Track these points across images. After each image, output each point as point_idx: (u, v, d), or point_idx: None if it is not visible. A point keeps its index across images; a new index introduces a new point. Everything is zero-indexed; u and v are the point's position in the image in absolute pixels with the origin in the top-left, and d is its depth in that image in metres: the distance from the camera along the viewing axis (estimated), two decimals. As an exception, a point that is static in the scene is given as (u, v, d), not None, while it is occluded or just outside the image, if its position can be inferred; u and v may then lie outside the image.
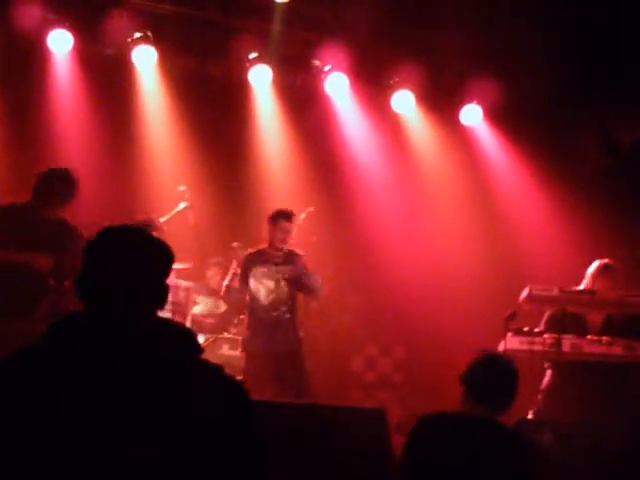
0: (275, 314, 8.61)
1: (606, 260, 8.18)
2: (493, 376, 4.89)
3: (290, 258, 8.75)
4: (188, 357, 2.67)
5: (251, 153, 11.18)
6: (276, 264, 8.68)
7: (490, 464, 4.63)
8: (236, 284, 8.91)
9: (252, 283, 8.68)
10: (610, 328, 7.94)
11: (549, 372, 8.14)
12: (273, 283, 8.64)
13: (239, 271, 8.91)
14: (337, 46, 10.41)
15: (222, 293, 9.23)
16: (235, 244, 9.69)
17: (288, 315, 8.64)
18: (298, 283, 8.64)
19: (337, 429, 5.69)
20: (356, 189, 11.26)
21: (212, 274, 10.55)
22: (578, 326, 7.92)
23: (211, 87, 10.82)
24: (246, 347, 8.70)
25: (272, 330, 8.57)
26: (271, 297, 8.64)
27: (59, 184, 7.40)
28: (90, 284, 2.72)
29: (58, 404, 2.50)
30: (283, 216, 8.72)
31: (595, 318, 8.09)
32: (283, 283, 8.63)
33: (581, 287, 8.05)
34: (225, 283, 9.14)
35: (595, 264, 8.16)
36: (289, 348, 8.59)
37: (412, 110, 11.20)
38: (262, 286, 8.65)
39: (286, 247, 8.75)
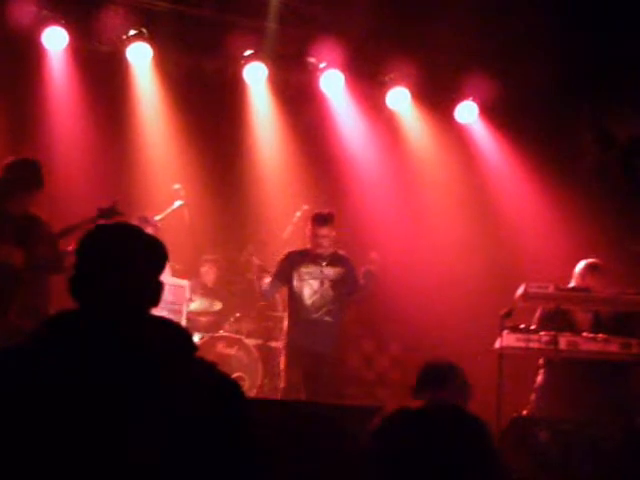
0: (316, 316, 8.52)
1: (593, 259, 8.21)
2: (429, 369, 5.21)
3: (337, 259, 8.68)
4: (182, 355, 2.66)
5: (246, 150, 11.17)
6: (322, 265, 8.60)
7: (448, 447, 4.71)
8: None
9: (295, 282, 8.58)
10: (599, 326, 7.96)
11: (543, 370, 8.15)
12: (317, 283, 8.55)
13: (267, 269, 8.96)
14: (332, 43, 10.40)
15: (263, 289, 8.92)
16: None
17: (329, 318, 8.54)
18: (367, 286, 8.67)
19: (335, 427, 5.68)
20: (351, 187, 11.25)
21: (206, 270, 10.55)
22: (567, 324, 7.94)
23: (206, 84, 10.80)
24: (287, 344, 8.63)
25: (312, 330, 8.47)
26: (314, 298, 8.54)
27: (23, 175, 7.29)
28: (83, 282, 2.71)
29: (48, 404, 2.48)
30: (318, 221, 8.60)
31: (584, 316, 8.11)
32: (328, 285, 8.56)
33: (570, 285, 8.08)
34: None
35: (582, 263, 8.20)
36: (326, 352, 8.51)
37: (408, 107, 11.19)
38: (306, 286, 8.55)
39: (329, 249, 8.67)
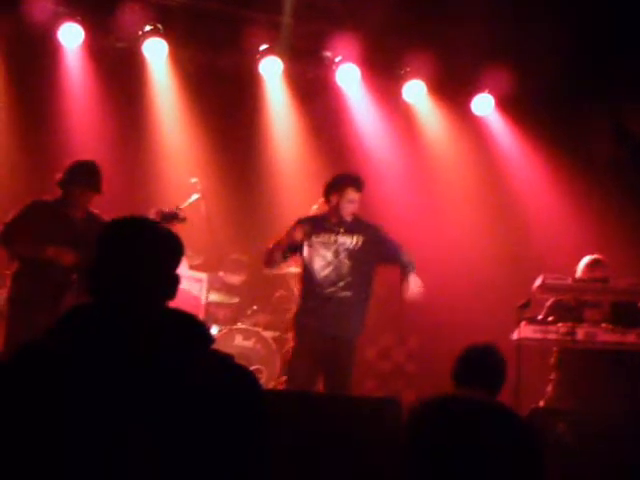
0: (329, 290, 7.46)
1: (595, 255, 8.20)
2: (477, 359, 4.99)
3: (357, 226, 7.65)
4: (199, 348, 2.67)
5: (262, 144, 11.18)
6: (339, 232, 7.57)
7: (491, 443, 4.68)
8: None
9: (306, 252, 7.60)
10: (608, 320, 7.94)
11: (559, 362, 8.14)
12: (331, 254, 7.51)
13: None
14: (348, 37, 10.40)
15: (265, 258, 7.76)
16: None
17: (347, 293, 7.48)
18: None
19: (351, 419, 5.70)
20: (368, 179, 11.22)
21: (235, 272, 10.51)
22: (576, 317, 7.92)
23: (222, 79, 10.82)
24: (295, 324, 7.63)
25: (324, 309, 7.43)
26: (327, 271, 7.49)
27: (83, 178, 7.43)
28: (100, 276, 2.73)
29: (66, 398, 2.49)
30: (352, 184, 7.71)
31: (592, 310, 8.09)
32: (344, 255, 7.48)
33: None
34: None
35: (585, 259, 8.19)
36: (343, 335, 7.50)
37: (423, 100, 11.18)
38: (318, 256, 7.52)
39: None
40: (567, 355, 8.05)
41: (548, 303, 8.17)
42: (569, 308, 8.00)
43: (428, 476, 4.65)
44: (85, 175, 7.44)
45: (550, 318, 7.86)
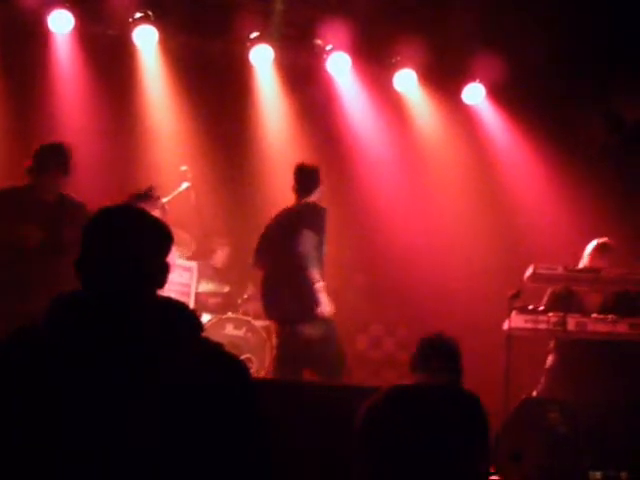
0: None
1: (603, 239, 8.20)
2: (424, 347, 5.15)
3: None
4: (189, 336, 2.66)
5: (252, 132, 11.16)
6: None
7: (442, 427, 4.78)
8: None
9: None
10: (607, 307, 7.95)
11: (553, 352, 8.15)
12: None
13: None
14: (339, 25, 10.37)
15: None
16: None
17: None
18: None
19: (341, 408, 5.69)
20: (358, 169, 11.24)
21: (218, 253, 10.57)
22: (576, 305, 7.93)
23: (212, 66, 10.79)
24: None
25: None
26: None
27: (52, 160, 7.30)
28: (89, 264, 2.71)
29: (57, 386, 2.49)
30: None
31: (592, 297, 8.11)
32: None
33: (580, 266, 8.06)
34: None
35: (592, 243, 8.18)
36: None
37: (414, 89, 11.16)
38: None
39: None
40: (562, 344, 8.05)
41: (548, 291, 8.17)
42: (570, 294, 7.99)
43: (389, 464, 4.73)
44: (53, 159, 7.29)
45: (542, 308, 7.85)
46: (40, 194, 7.32)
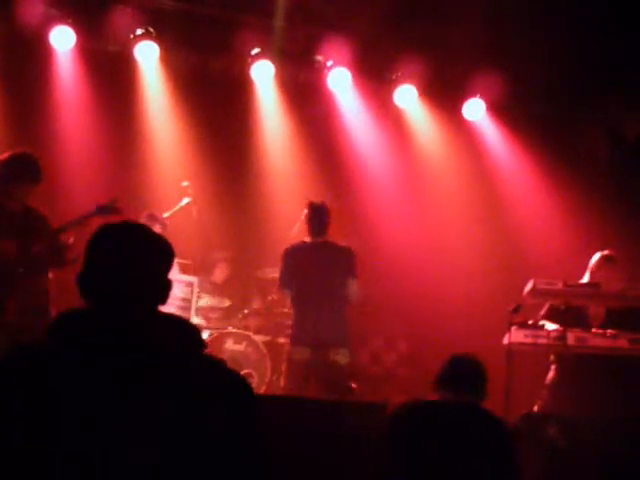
0: None
1: (607, 251, 8.19)
2: (456, 365, 5.13)
3: None
4: (191, 352, 2.67)
5: (253, 148, 11.18)
6: None
7: (469, 446, 4.76)
8: None
9: None
10: (611, 321, 7.94)
11: (554, 367, 8.14)
12: None
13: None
14: (339, 41, 10.40)
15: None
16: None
17: None
18: None
19: (341, 423, 5.70)
20: (359, 184, 11.26)
21: (219, 268, 10.57)
22: (580, 319, 7.92)
23: (213, 83, 10.82)
24: None
25: None
26: None
27: (18, 169, 7.23)
28: (91, 281, 2.72)
29: (57, 400, 2.49)
30: None
31: (596, 311, 8.09)
32: None
33: (584, 279, 8.05)
34: None
35: (597, 256, 8.17)
36: None
37: (415, 104, 11.19)
38: None
39: None
40: (563, 358, 8.03)
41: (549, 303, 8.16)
42: (574, 308, 7.97)
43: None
44: (20, 168, 7.23)
45: (540, 322, 7.85)
46: (6, 203, 7.25)
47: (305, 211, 9.41)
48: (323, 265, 8.47)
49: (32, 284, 7.11)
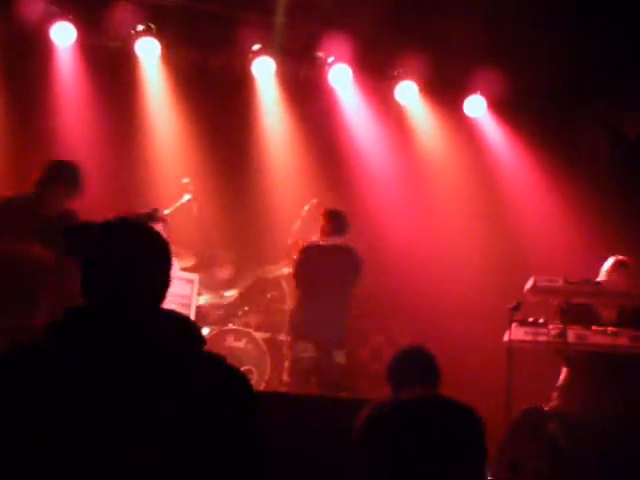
0: None
1: (621, 257, 8.16)
2: (417, 360, 5.12)
3: None
4: (190, 349, 2.67)
5: (254, 145, 11.17)
6: None
7: (449, 439, 4.78)
8: None
9: None
10: (622, 321, 7.91)
11: (564, 369, 8.08)
12: None
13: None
14: (340, 37, 10.40)
15: None
16: None
17: None
18: None
19: (342, 420, 5.70)
20: (360, 181, 11.25)
21: (222, 267, 10.53)
22: (592, 319, 7.89)
23: (214, 79, 10.82)
24: None
25: None
26: None
27: (53, 175, 7.26)
28: (92, 280, 2.71)
29: (58, 403, 2.48)
30: None
31: (608, 311, 8.07)
32: None
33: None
34: None
35: (610, 260, 8.13)
36: None
37: (416, 101, 11.18)
38: None
39: None
40: (573, 359, 7.99)
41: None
42: (586, 307, 7.96)
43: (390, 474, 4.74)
44: (55, 173, 7.26)
45: (540, 319, 7.82)
46: (41, 207, 7.25)
47: (306, 207, 9.47)
48: (336, 266, 8.74)
49: (65, 287, 7.08)
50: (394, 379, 5.10)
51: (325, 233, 8.87)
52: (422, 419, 4.85)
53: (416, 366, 5.07)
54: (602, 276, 8.07)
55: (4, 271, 7.01)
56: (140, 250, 2.74)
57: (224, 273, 10.51)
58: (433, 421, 4.84)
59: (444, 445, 4.76)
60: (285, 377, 8.71)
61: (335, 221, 8.89)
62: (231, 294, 10.25)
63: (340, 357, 8.67)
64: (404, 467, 4.71)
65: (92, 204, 7.59)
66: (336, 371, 8.56)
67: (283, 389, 8.75)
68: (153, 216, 7.83)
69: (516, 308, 7.53)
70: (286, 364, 8.78)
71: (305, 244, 8.95)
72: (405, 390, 5.01)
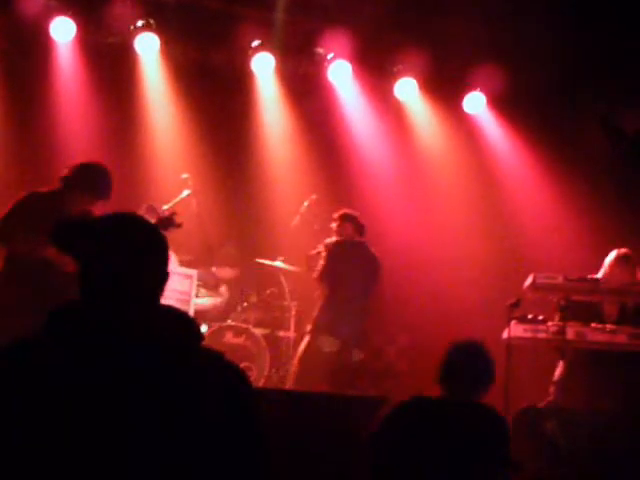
0: None
1: (623, 250, 8.13)
2: (461, 359, 4.96)
3: None
4: (189, 345, 2.66)
5: (254, 141, 11.17)
6: None
7: (464, 442, 4.71)
8: None
9: None
10: (625, 318, 7.90)
11: (561, 363, 8.09)
12: None
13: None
14: (340, 34, 10.39)
15: None
16: None
17: None
18: None
19: (340, 417, 5.70)
20: (359, 177, 11.25)
21: (226, 268, 10.51)
22: (594, 316, 7.88)
23: (214, 75, 10.81)
24: None
25: None
26: None
27: (77, 178, 7.17)
28: (88, 274, 2.70)
29: (58, 402, 2.48)
30: None
31: (610, 308, 8.05)
32: None
33: (598, 276, 7.99)
34: None
35: (612, 254, 8.09)
36: None
37: (415, 97, 11.18)
38: None
39: None
40: (570, 354, 7.99)
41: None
42: (588, 304, 7.94)
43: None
44: (79, 177, 7.17)
45: (539, 316, 7.81)
46: (68, 208, 7.10)
47: (305, 203, 9.49)
48: (363, 266, 9.07)
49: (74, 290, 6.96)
50: (442, 373, 4.95)
51: (348, 235, 9.14)
52: (437, 420, 4.78)
53: (449, 366, 4.93)
54: (604, 269, 8.04)
55: (23, 272, 6.94)
56: (136, 245, 2.72)
57: (223, 269, 10.50)
58: (447, 422, 4.77)
59: (458, 448, 4.69)
60: (294, 367, 8.82)
61: (355, 223, 9.16)
62: (228, 291, 10.25)
63: (358, 356, 9.06)
64: (417, 468, 4.66)
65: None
66: (354, 369, 8.91)
67: (287, 378, 8.97)
68: (172, 220, 7.81)
69: (515, 305, 7.52)
70: (300, 355, 8.92)
71: (337, 240, 9.13)
72: (443, 386, 4.91)
